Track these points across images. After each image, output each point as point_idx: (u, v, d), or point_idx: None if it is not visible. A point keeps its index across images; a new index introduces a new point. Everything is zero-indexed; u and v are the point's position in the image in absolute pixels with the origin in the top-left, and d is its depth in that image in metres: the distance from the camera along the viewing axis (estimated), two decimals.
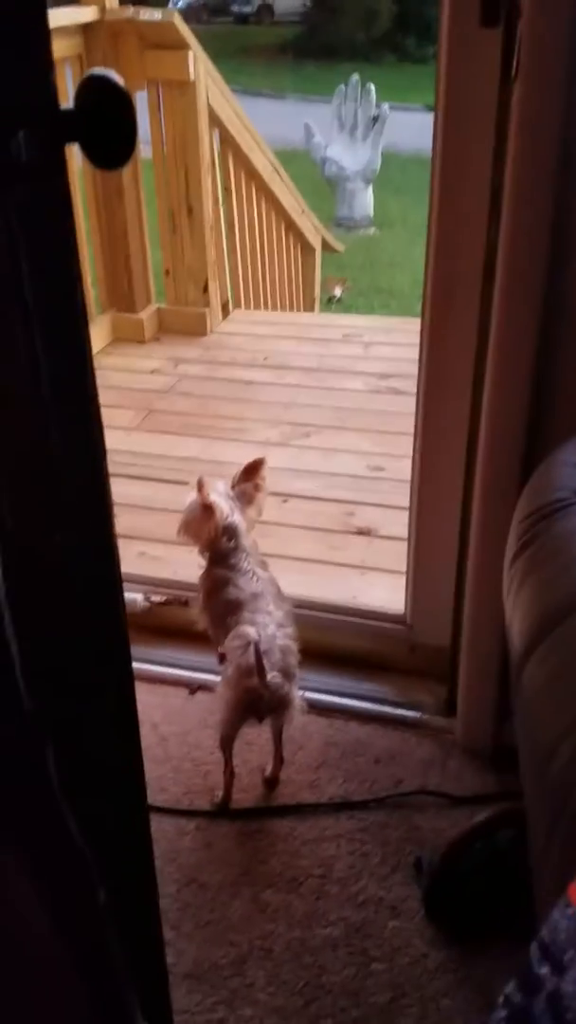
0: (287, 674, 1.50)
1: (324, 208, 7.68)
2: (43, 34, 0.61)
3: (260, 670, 1.43)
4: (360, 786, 1.63)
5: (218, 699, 1.58)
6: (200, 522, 1.64)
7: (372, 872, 1.49)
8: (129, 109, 0.68)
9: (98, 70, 0.68)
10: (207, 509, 1.62)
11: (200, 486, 1.62)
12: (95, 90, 0.68)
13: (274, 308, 4.30)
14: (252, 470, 1.70)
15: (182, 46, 3.08)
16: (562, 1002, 0.67)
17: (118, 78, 0.69)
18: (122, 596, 0.84)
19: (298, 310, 4.68)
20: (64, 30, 2.95)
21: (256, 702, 1.48)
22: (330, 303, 5.97)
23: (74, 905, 1.05)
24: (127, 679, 0.87)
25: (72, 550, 0.80)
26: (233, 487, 1.69)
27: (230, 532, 1.64)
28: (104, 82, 0.67)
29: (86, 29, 3.02)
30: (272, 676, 1.46)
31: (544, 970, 0.69)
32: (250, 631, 1.48)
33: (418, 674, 1.86)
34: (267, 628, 1.51)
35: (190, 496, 1.66)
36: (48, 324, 0.70)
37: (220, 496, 1.65)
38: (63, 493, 0.78)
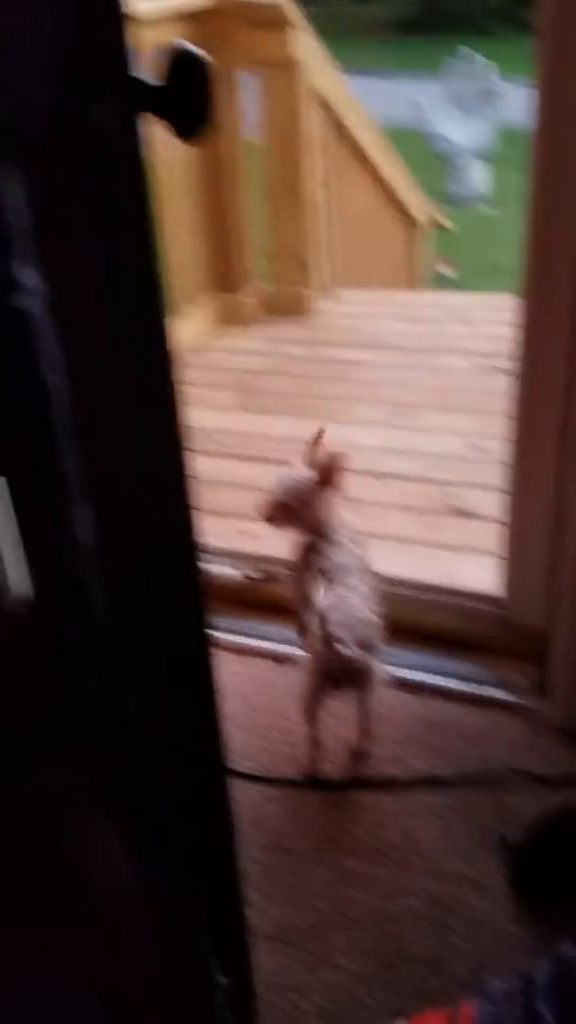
0: (367, 646, 1.51)
1: (435, 185, 7.57)
2: (116, 4, 0.63)
3: (331, 640, 1.45)
4: (447, 763, 1.63)
5: (299, 667, 1.60)
6: (286, 502, 1.65)
7: (457, 847, 1.48)
8: (207, 78, 0.69)
9: (178, 42, 0.70)
10: (289, 488, 1.63)
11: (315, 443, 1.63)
12: (174, 61, 0.70)
13: (378, 287, 4.27)
14: (315, 443, 1.70)
15: (287, 26, 3.09)
16: None
17: (196, 49, 0.70)
18: (198, 552, 0.87)
19: (404, 289, 4.64)
20: (175, 16, 3.00)
21: (333, 671, 1.50)
22: (438, 281, 5.89)
23: (153, 855, 1.09)
24: (204, 632, 0.89)
25: (153, 508, 0.83)
26: (311, 466, 1.69)
27: (316, 511, 1.65)
28: (183, 54, 0.69)
29: (196, 14, 3.06)
30: (349, 648, 1.47)
31: None
32: (325, 602, 1.50)
33: (510, 654, 1.84)
34: (350, 600, 1.52)
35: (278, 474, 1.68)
36: (124, 291, 0.73)
37: (297, 475, 1.66)
38: (143, 455, 0.81)
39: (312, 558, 1.62)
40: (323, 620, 1.48)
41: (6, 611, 1.04)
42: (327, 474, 1.68)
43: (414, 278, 4.76)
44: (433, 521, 2.32)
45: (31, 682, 1.06)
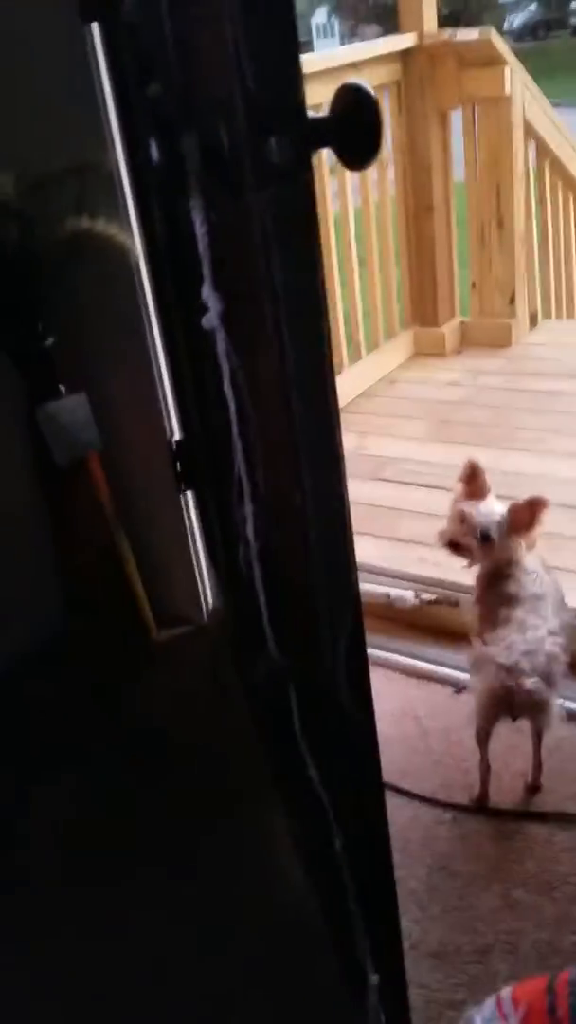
0: (548, 680, 1.48)
1: None
2: (292, 44, 0.70)
3: (512, 669, 1.44)
4: None
5: (474, 692, 1.59)
6: (467, 533, 1.64)
7: None
8: (371, 109, 0.75)
9: (350, 80, 0.77)
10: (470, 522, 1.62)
11: (472, 472, 1.63)
12: (340, 96, 0.77)
13: None
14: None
15: (498, 63, 3.12)
16: None
17: (365, 85, 0.76)
18: (353, 556, 0.91)
19: None
20: (384, 58, 3.11)
21: (509, 701, 1.48)
22: None
23: (319, 856, 1.14)
24: (359, 634, 0.93)
25: (310, 516, 0.88)
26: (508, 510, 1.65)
27: (482, 533, 1.63)
28: (348, 88, 0.75)
29: (404, 55, 3.16)
30: (530, 680, 1.45)
31: None
32: (511, 630, 1.49)
33: None
34: (538, 630, 1.51)
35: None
36: (292, 316, 0.79)
37: (491, 516, 1.64)
38: (304, 463, 0.87)
39: (500, 584, 1.61)
40: (507, 648, 1.48)
41: (204, 625, 1.13)
42: (523, 518, 1.63)
43: None
44: None
45: (220, 684, 1.14)
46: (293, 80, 0.73)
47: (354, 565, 0.92)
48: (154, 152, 0.81)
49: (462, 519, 1.65)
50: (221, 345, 0.89)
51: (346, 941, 1.14)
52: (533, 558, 1.65)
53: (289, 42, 0.71)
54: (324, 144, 0.78)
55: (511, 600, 1.58)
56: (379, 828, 1.04)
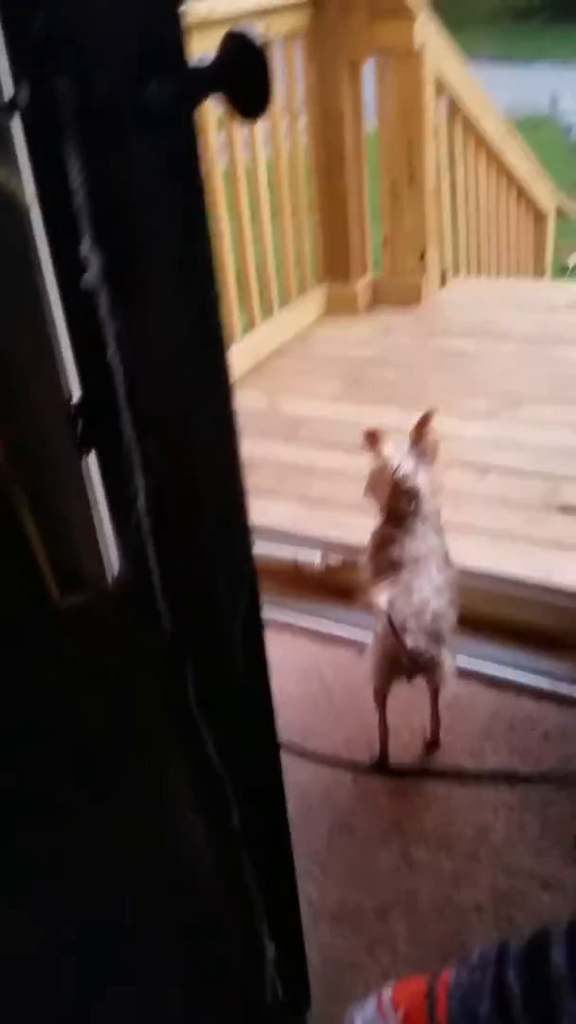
0: (436, 638, 1.50)
1: (570, 175, 7.33)
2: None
3: (396, 631, 1.45)
4: (525, 760, 1.60)
5: (368, 655, 1.61)
6: (382, 481, 1.66)
7: (528, 844, 1.46)
8: (260, 56, 0.71)
9: (237, 26, 0.72)
10: (386, 466, 1.64)
11: (372, 439, 1.64)
12: (231, 43, 0.72)
13: (499, 276, 4.19)
14: (422, 425, 1.69)
15: (410, 14, 3.06)
16: None
17: (251, 31, 0.72)
18: (248, 527, 0.89)
19: (529, 279, 4.53)
20: (293, 5, 3.02)
21: (399, 660, 1.49)
22: (564, 272, 5.72)
23: (217, 819, 1.13)
24: (255, 605, 0.91)
25: (203, 485, 0.85)
26: (412, 443, 1.69)
27: (410, 494, 1.64)
28: (235, 34, 0.70)
29: (315, 3, 3.07)
30: (416, 639, 1.46)
31: None
32: (393, 591, 1.49)
33: None
34: (422, 591, 1.51)
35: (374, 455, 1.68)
36: (177, 274, 0.75)
37: (400, 452, 1.66)
38: (196, 431, 0.84)
39: (387, 547, 1.61)
40: (390, 608, 1.48)
41: (109, 590, 1.10)
42: (429, 455, 1.68)
43: (540, 269, 4.64)
44: (534, 517, 2.27)
45: (126, 652, 1.12)
46: (172, 20, 0.68)
47: (250, 538, 0.90)
48: (27, 95, 0.75)
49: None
50: (104, 306, 0.85)
51: (244, 913, 1.14)
52: (423, 518, 1.65)
53: None
54: (210, 91, 0.73)
55: (396, 565, 1.59)
56: (275, 801, 1.04)
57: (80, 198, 0.77)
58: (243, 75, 0.73)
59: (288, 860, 1.10)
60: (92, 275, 0.80)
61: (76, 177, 0.75)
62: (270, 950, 1.08)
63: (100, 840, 1.46)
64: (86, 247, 0.79)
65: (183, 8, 0.69)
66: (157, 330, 0.82)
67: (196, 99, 0.72)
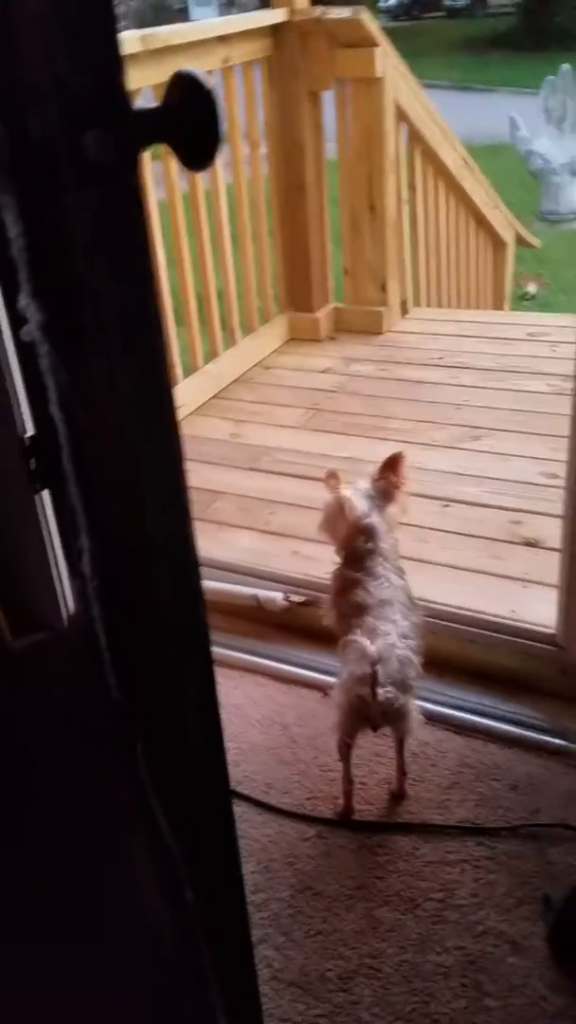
0: (403, 687, 1.45)
1: (529, 202, 7.43)
2: (110, 30, 0.61)
3: (372, 683, 1.39)
4: (493, 812, 1.55)
5: (332, 704, 1.55)
6: (336, 519, 1.62)
7: (496, 903, 1.41)
8: (209, 101, 0.66)
9: (184, 69, 0.67)
10: (341, 505, 1.59)
11: (331, 480, 1.60)
12: (179, 88, 0.68)
13: (460, 306, 4.19)
14: (391, 465, 1.65)
15: (370, 43, 3.05)
16: None
17: (203, 75, 0.67)
18: (201, 587, 0.84)
19: (487, 308, 4.54)
20: (254, 33, 3.00)
21: (366, 711, 1.44)
22: (523, 300, 5.76)
23: (167, 898, 1.06)
24: (209, 673, 0.86)
25: (154, 545, 0.80)
26: (373, 484, 1.65)
27: (367, 532, 1.60)
28: (183, 77, 0.66)
29: (276, 31, 3.06)
30: (385, 689, 1.41)
31: None
32: (366, 643, 1.44)
33: (569, 699, 1.75)
34: (388, 637, 1.47)
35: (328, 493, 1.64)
36: (124, 328, 0.70)
37: (357, 493, 1.62)
38: (145, 491, 0.79)
39: (350, 590, 1.57)
40: (357, 658, 1.43)
41: (65, 633, 1.03)
42: (389, 496, 1.64)
43: (500, 298, 4.66)
44: (499, 550, 2.23)
45: (81, 697, 1.05)
46: (114, 64, 0.63)
47: (203, 604, 0.84)
48: None
49: (338, 505, 1.61)
50: (44, 359, 0.79)
51: (199, 988, 1.07)
52: (383, 558, 1.60)
53: (106, 16, 0.61)
54: (154, 139, 0.68)
55: (360, 610, 1.54)
56: (230, 875, 0.98)
57: (16, 249, 0.72)
58: (190, 123, 0.68)
59: (244, 934, 1.03)
60: (32, 328, 0.75)
61: (12, 228, 0.69)
62: None
63: (43, 913, 1.38)
64: (24, 300, 0.74)
65: (125, 51, 0.64)
66: (99, 387, 0.77)
67: (138, 148, 0.67)
